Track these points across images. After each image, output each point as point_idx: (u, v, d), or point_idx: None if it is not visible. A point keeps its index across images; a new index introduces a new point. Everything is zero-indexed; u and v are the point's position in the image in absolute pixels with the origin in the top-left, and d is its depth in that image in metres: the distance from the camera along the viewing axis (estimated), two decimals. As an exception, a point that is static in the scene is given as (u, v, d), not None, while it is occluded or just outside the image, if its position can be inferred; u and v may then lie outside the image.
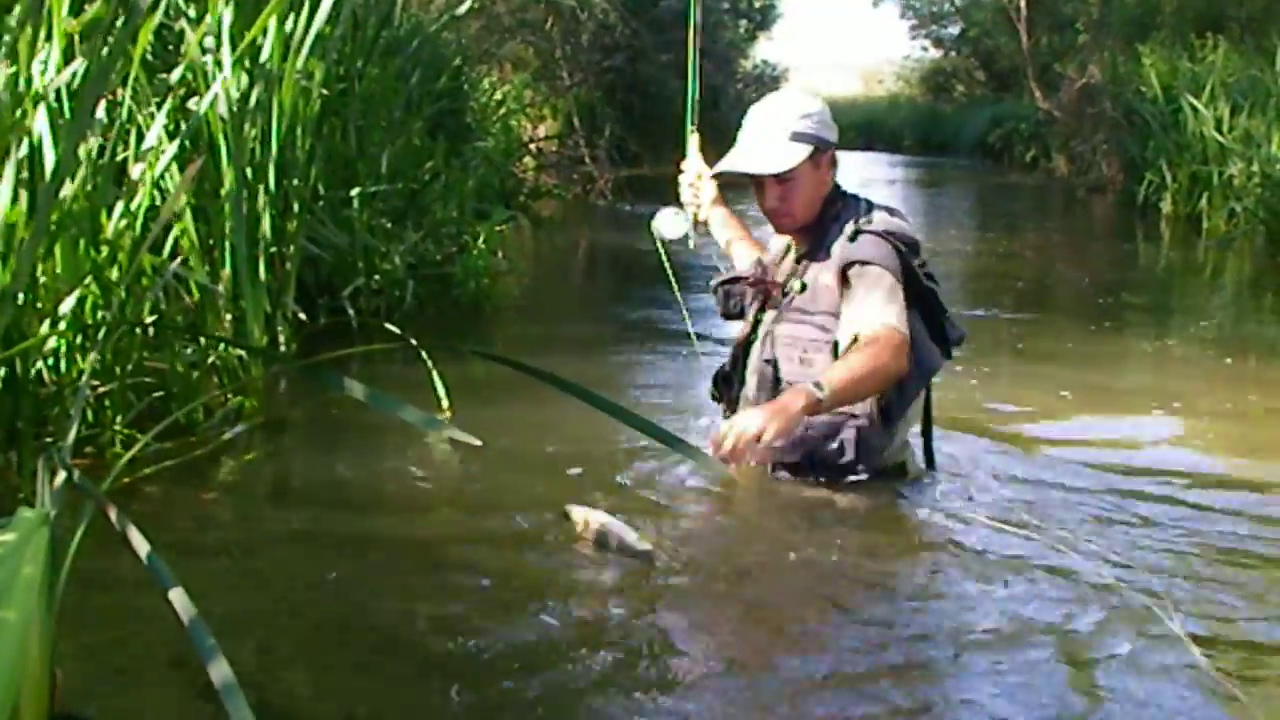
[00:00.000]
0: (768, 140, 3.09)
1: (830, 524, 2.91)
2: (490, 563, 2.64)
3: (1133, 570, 2.69)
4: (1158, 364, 5.56)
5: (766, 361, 3.11)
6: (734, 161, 3.13)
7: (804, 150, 3.05)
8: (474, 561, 2.66)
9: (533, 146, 13.49)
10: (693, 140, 3.62)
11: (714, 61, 19.10)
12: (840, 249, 3.03)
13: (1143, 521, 3.06)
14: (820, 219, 3.14)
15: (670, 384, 4.61)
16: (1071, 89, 17.75)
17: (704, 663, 2.24)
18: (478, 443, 1.69)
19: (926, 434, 3.31)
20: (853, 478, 3.02)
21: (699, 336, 4.30)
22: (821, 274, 3.06)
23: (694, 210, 3.56)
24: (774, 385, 3.07)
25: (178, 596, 1.35)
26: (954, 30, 30.97)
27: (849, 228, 3.05)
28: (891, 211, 3.13)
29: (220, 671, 1.22)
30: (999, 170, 22.37)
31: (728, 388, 3.36)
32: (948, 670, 2.24)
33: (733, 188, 3.36)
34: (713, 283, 3.40)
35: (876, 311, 2.90)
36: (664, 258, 3.61)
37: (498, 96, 11.97)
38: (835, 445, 2.98)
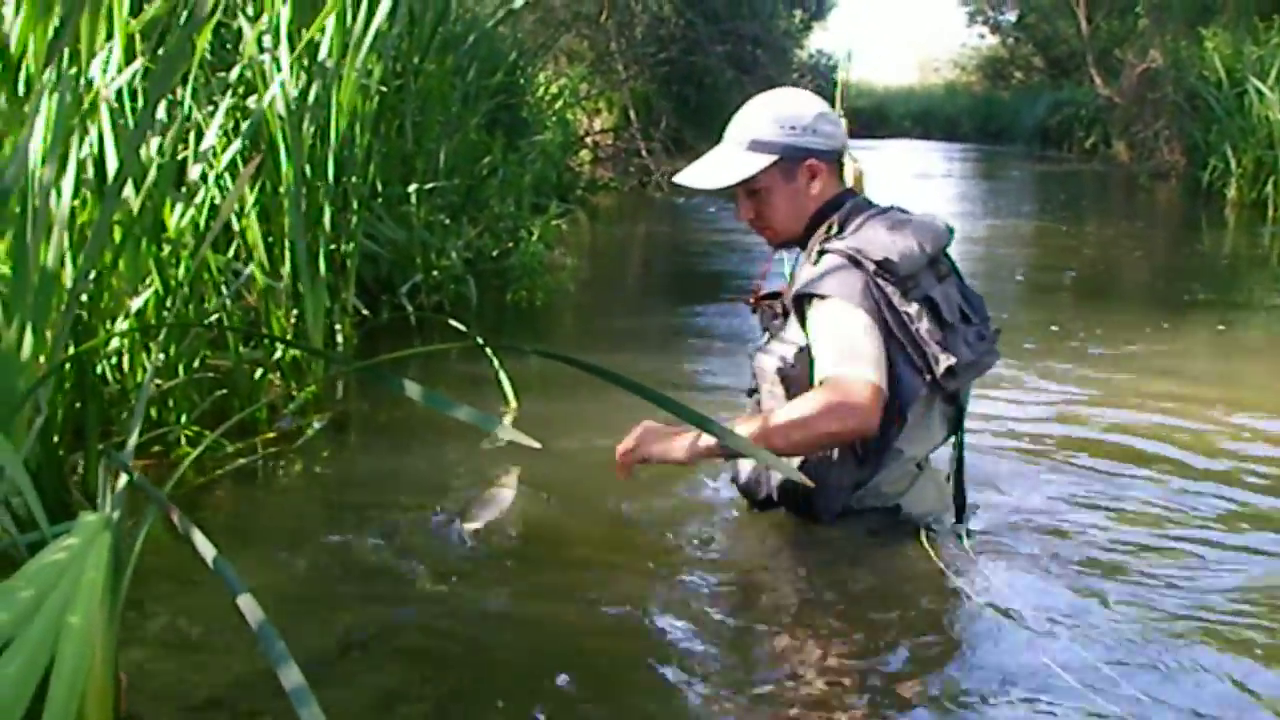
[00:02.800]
0: (726, 150, 2.79)
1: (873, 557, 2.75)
2: (542, 567, 2.62)
3: (1182, 597, 2.57)
4: (1223, 356, 5.46)
5: (750, 392, 2.88)
6: (685, 174, 2.83)
7: (761, 161, 2.73)
8: (524, 565, 2.64)
9: (589, 140, 13.50)
10: None
11: (769, 53, 19.02)
12: (803, 272, 2.72)
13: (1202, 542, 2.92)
14: (809, 235, 2.79)
15: (730, 381, 4.57)
16: (1132, 74, 17.53)
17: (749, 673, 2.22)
18: (536, 445, 1.66)
19: (959, 473, 2.91)
20: (828, 518, 2.73)
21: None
22: (793, 302, 2.73)
23: None
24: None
25: (246, 602, 1.34)
26: (1011, 16, 30.71)
27: (815, 244, 2.73)
28: (895, 222, 2.71)
29: (291, 677, 1.21)
30: (1058, 157, 22.14)
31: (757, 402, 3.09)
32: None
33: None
34: (750, 299, 3.07)
35: (828, 360, 2.55)
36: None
37: (554, 90, 11.97)
38: (791, 484, 2.70)
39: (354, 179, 4.80)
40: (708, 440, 2.54)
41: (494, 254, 6.44)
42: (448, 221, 6.08)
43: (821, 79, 24.36)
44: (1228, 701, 2.10)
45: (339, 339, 4.66)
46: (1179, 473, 3.42)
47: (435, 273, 5.63)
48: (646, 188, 12.99)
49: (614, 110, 14.60)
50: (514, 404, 3.83)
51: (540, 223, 6.74)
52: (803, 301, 2.66)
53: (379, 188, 5.55)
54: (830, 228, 2.74)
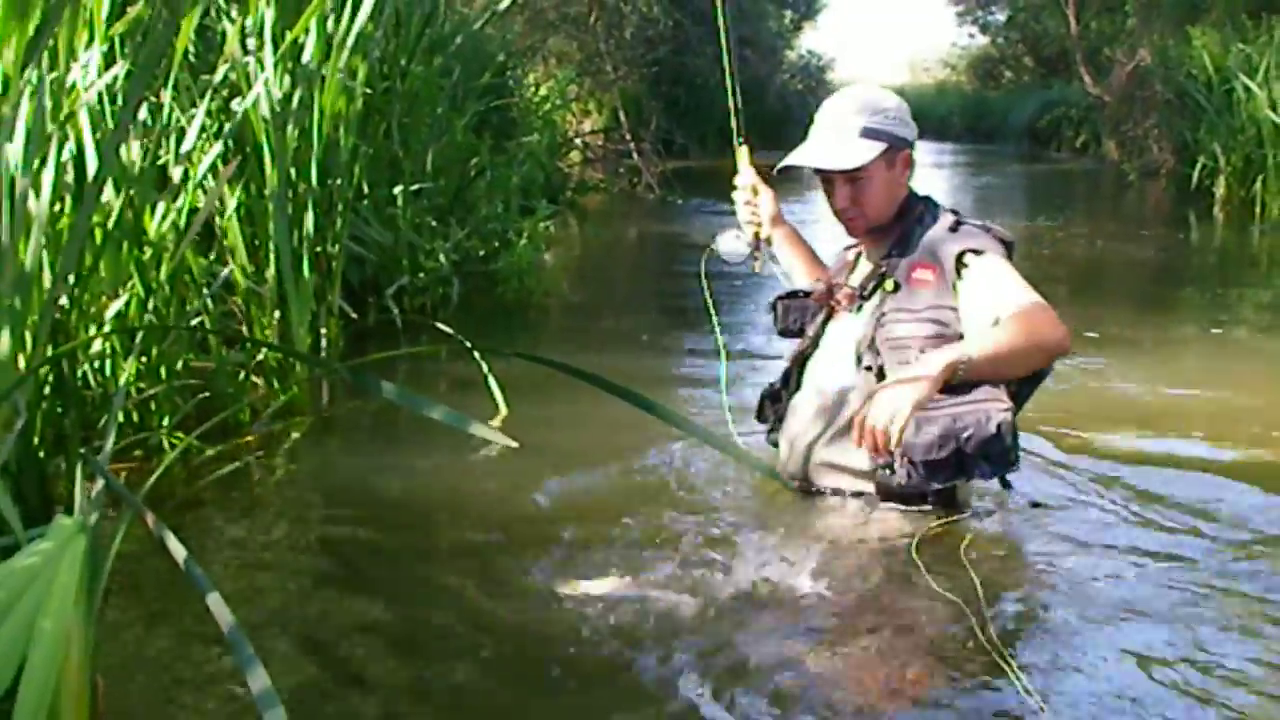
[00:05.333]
0: (839, 136, 2.89)
1: (843, 537, 2.78)
2: (530, 567, 2.60)
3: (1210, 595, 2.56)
4: (1212, 354, 5.46)
5: (869, 369, 2.81)
6: (803, 156, 2.92)
7: (876, 148, 2.86)
8: (513, 564, 2.62)
9: (578, 141, 13.49)
10: (742, 154, 3.31)
11: (759, 52, 19.04)
12: (943, 240, 2.84)
13: (1194, 532, 2.92)
14: (898, 221, 2.94)
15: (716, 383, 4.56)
16: (1122, 72, 17.56)
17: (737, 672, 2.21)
18: (515, 444, 1.65)
19: None
20: (1009, 473, 2.75)
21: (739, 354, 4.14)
22: (916, 271, 2.83)
23: (754, 229, 3.31)
24: None
25: (215, 603, 1.32)
26: (1000, 16, 30.72)
27: (946, 219, 2.88)
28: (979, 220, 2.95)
29: (258, 680, 1.20)
30: (1048, 156, 22.17)
31: (774, 405, 3.14)
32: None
33: (783, 183, 3.18)
34: (772, 298, 3.22)
35: (1014, 292, 2.73)
36: (704, 283, 3.39)
37: (542, 92, 11.96)
38: (993, 430, 2.57)
39: (339, 181, 4.79)
40: (941, 366, 2.59)
41: (482, 256, 6.42)
42: (435, 223, 6.07)
43: (811, 79, 24.45)
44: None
45: (325, 341, 4.64)
46: (1167, 467, 3.42)
47: (422, 275, 5.61)
48: (636, 189, 12.98)
49: (604, 111, 14.60)
50: (502, 405, 3.82)
51: (528, 224, 6.73)
52: (961, 257, 2.79)
53: (365, 189, 5.53)
54: (920, 216, 2.92)
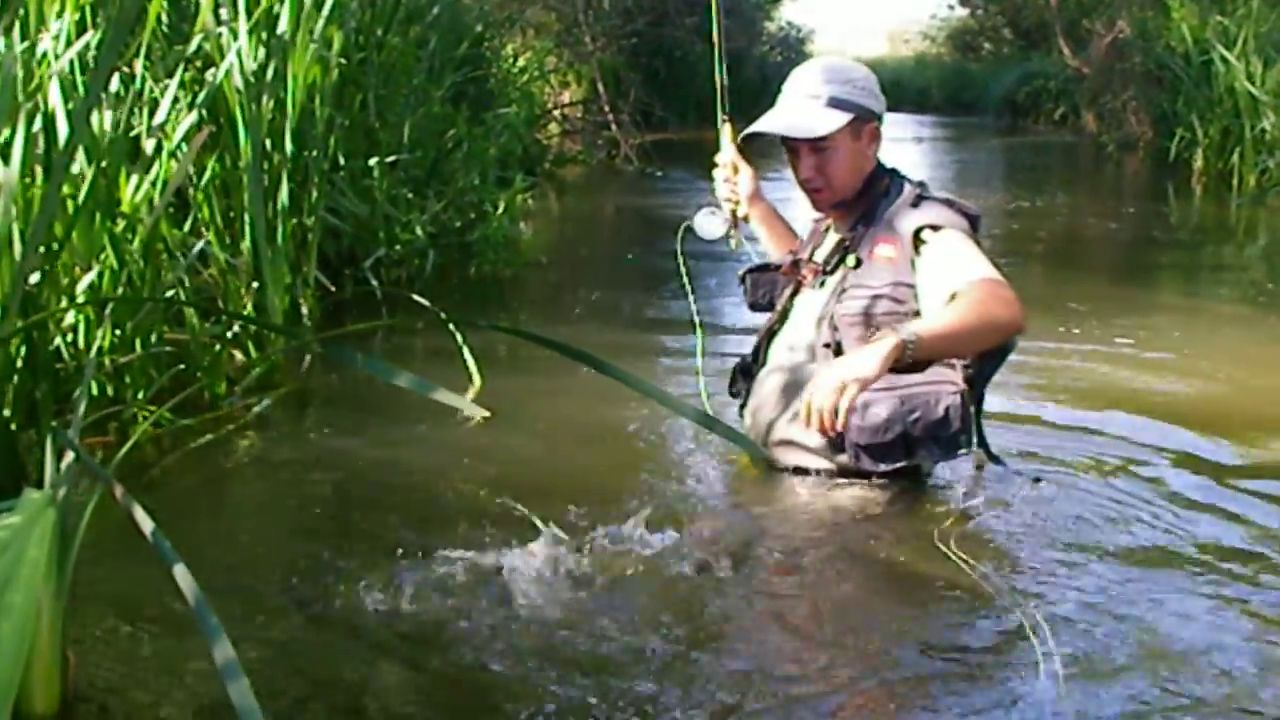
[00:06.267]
0: (805, 105, 2.88)
1: (830, 512, 2.75)
2: (503, 544, 2.58)
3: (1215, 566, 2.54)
4: (1188, 323, 5.47)
5: (826, 345, 2.82)
6: (768, 124, 2.91)
7: (842, 117, 2.83)
8: (487, 541, 2.60)
9: (557, 113, 13.43)
10: (725, 131, 3.30)
11: (738, 23, 18.97)
12: (904, 216, 2.82)
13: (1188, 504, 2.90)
14: (863, 194, 2.91)
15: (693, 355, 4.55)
16: (1100, 44, 17.52)
17: (721, 655, 2.20)
18: (486, 414, 1.64)
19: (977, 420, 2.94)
20: (961, 453, 2.75)
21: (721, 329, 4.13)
22: (879, 246, 2.83)
23: (732, 206, 3.30)
24: None
25: (181, 574, 1.32)
26: (980, -13, 30.63)
27: (910, 193, 2.87)
28: (948, 194, 2.92)
29: (223, 651, 1.19)
30: (1027, 128, 22.17)
31: (745, 380, 3.12)
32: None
33: (767, 156, 3.17)
34: (740, 271, 3.22)
35: (969, 268, 2.69)
36: (680, 260, 3.37)
37: (520, 63, 11.89)
38: (940, 413, 2.63)
39: (314, 152, 4.76)
40: (889, 346, 2.54)
41: (459, 228, 6.40)
42: (411, 195, 6.04)
43: (790, 51, 24.38)
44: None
45: (303, 313, 4.63)
46: (1147, 438, 3.43)
47: (399, 246, 5.59)
48: (615, 161, 12.94)
49: (582, 83, 14.53)
50: (476, 377, 3.80)
51: (506, 196, 6.71)
52: (919, 233, 2.78)
53: (341, 161, 5.50)
54: (886, 190, 2.91)
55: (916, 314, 2.74)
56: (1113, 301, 5.77)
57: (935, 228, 2.77)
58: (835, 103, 2.85)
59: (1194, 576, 2.47)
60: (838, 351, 2.79)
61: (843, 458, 2.76)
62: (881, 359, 2.54)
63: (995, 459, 2.96)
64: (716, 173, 3.33)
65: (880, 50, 39.07)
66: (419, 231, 5.67)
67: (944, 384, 2.64)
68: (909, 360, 2.58)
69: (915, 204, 2.84)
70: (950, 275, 2.70)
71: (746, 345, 3.20)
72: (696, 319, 3.39)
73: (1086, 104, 19.11)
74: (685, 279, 3.38)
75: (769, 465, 2.97)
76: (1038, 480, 2.97)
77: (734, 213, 3.30)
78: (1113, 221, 9.56)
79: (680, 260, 3.36)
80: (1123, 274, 6.89)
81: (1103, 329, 4.97)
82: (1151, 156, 14.27)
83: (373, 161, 5.70)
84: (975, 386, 2.80)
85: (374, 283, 5.22)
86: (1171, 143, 12.74)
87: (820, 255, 3.00)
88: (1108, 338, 4.79)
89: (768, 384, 2.98)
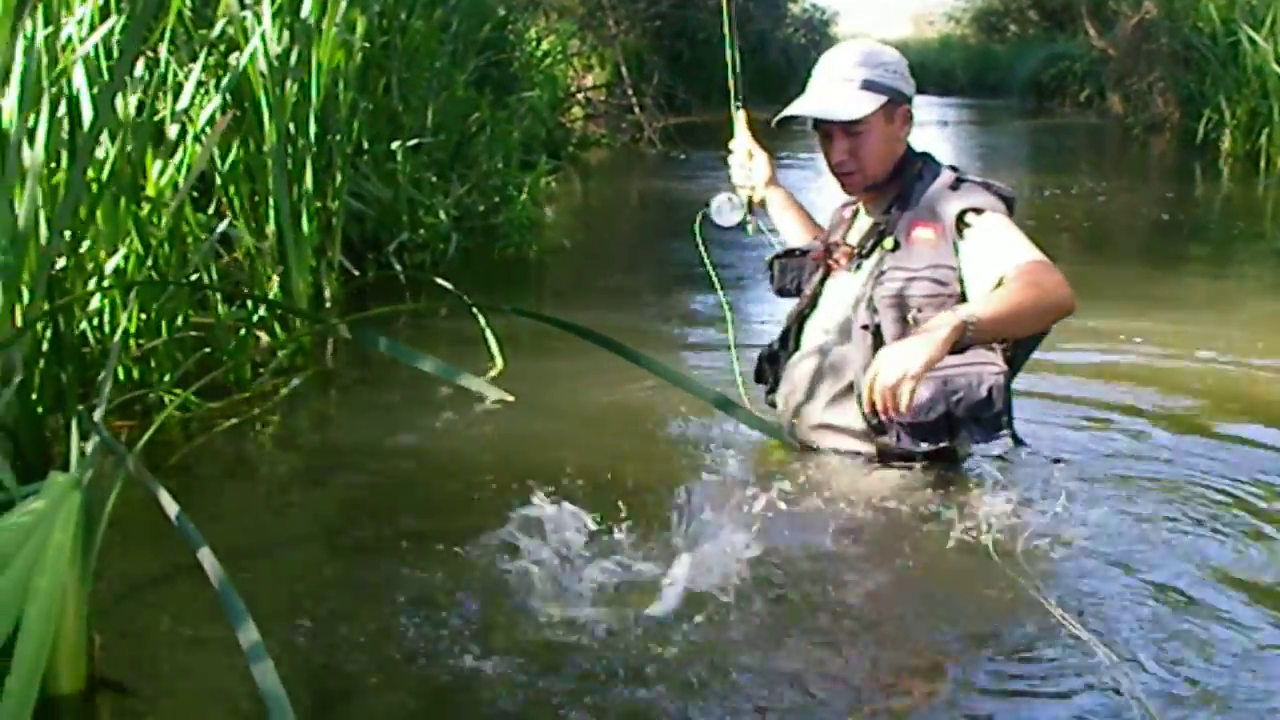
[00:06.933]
0: (839, 88, 2.86)
1: (856, 494, 2.74)
2: (526, 531, 2.57)
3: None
4: (1220, 308, 5.42)
5: (864, 328, 2.79)
6: (802, 106, 2.89)
7: (876, 100, 2.82)
8: (510, 527, 2.59)
9: (580, 96, 13.41)
10: (739, 117, 3.31)
11: (762, 6, 18.89)
12: (944, 199, 2.81)
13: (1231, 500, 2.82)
14: (895, 178, 2.90)
15: (718, 342, 4.51)
16: (1126, 25, 17.39)
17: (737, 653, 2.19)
18: (510, 398, 1.63)
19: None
20: (1001, 435, 2.72)
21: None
22: (917, 229, 2.81)
23: (748, 193, 3.29)
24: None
25: (205, 557, 1.32)
26: (1006, -32, 30.44)
27: (947, 176, 2.86)
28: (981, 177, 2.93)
29: (247, 634, 1.19)
30: (1053, 110, 22.03)
31: (773, 367, 3.10)
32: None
33: (780, 138, 3.15)
34: (768, 257, 3.20)
35: (1019, 250, 2.71)
36: (700, 245, 3.33)
37: (544, 46, 11.88)
38: (984, 394, 2.60)
39: (338, 136, 4.76)
40: (950, 328, 2.56)
41: (482, 211, 6.39)
42: (435, 179, 6.04)
43: (814, 33, 24.27)
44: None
45: (326, 296, 4.64)
46: (1180, 418, 3.42)
47: (422, 231, 5.59)
48: (639, 144, 12.91)
49: (605, 66, 14.49)
50: (499, 360, 3.80)
51: (529, 180, 6.70)
52: (962, 215, 2.77)
53: (365, 145, 5.51)
54: (920, 173, 2.89)
55: (958, 296, 2.73)
56: (1141, 284, 5.73)
57: (979, 211, 2.77)
58: (868, 85, 2.84)
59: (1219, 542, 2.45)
60: (877, 334, 2.77)
61: (885, 439, 2.75)
62: (944, 340, 2.56)
63: (1021, 443, 2.93)
64: (731, 159, 3.33)
65: (905, 32, 38.83)
66: (442, 215, 5.68)
67: (986, 365, 2.62)
68: (967, 342, 2.59)
69: (955, 187, 2.82)
70: (999, 258, 2.71)
71: (767, 335, 3.19)
72: (725, 300, 3.39)
73: (1112, 86, 18.96)
74: (708, 263, 3.36)
75: (798, 447, 2.96)
76: (1057, 461, 2.97)
77: (750, 198, 3.29)
78: (1140, 203, 9.48)
79: (700, 246, 3.35)
80: (1151, 257, 6.83)
81: (1136, 310, 4.93)
82: (1178, 138, 14.16)
83: (396, 145, 5.70)
84: (1012, 368, 2.78)
85: (397, 266, 5.23)
86: (1198, 124, 12.64)
87: (853, 239, 2.99)
88: (1140, 319, 4.75)
89: (800, 368, 2.97)
